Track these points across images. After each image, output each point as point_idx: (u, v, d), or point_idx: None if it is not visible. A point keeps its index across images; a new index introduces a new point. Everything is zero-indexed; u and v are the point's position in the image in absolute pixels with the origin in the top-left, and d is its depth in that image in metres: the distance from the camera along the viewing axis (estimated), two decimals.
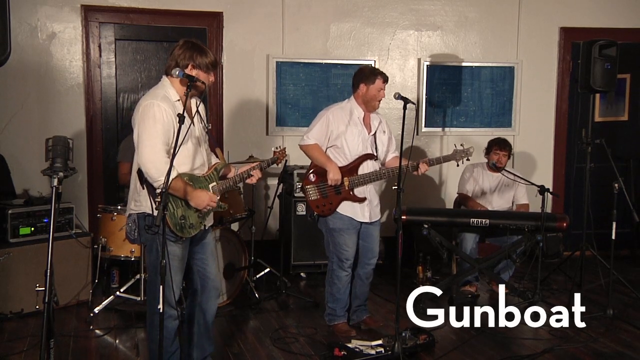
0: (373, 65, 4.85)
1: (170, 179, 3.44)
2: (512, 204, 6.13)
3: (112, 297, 5.28)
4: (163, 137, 3.52)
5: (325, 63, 6.84)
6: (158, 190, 3.46)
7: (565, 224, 5.51)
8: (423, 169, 4.71)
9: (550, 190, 5.46)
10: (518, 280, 5.95)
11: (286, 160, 5.82)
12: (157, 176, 3.43)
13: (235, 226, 6.19)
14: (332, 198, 4.67)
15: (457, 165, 4.99)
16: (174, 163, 3.38)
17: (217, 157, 4.05)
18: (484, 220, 5.47)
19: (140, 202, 3.65)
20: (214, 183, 3.80)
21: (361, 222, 4.74)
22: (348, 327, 4.88)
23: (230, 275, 5.51)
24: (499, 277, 5.80)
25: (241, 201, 5.79)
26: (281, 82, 6.73)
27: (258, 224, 6.27)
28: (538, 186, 5.34)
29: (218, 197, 3.79)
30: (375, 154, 4.71)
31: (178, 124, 3.39)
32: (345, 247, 4.70)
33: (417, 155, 7.05)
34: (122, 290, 5.35)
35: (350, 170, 4.67)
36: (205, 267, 3.89)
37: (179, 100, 3.63)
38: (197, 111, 3.78)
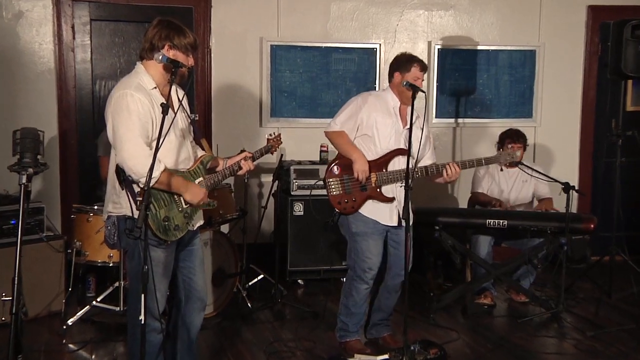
0: (410, 53, 4.79)
1: (157, 173, 3.44)
2: (533, 199, 6.13)
3: (87, 307, 5.26)
4: (141, 129, 3.50)
5: (325, 47, 6.83)
6: (141, 187, 3.45)
7: (592, 226, 5.50)
8: (452, 172, 4.53)
9: (576, 188, 5.46)
10: (540, 288, 5.95)
11: (282, 155, 5.83)
12: (144, 171, 3.40)
13: (225, 228, 6.18)
14: (356, 195, 4.59)
15: (501, 170, 4.97)
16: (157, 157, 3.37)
17: (203, 149, 4.03)
18: (501, 221, 5.46)
19: (120, 204, 3.63)
20: (201, 178, 3.79)
21: (388, 227, 4.65)
22: (362, 345, 4.80)
23: (220, 283, 5.51)
24: (519, 285, 5.80)
25: (232, 200, 5.78)
26: (276, 68, 6.72)
27: (251, 225, 6.27)
28: (562, 183, 5.34)
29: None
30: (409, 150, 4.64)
31: (161, 114, 3.37)
32: (369, 254, 4.60)
33: None
34: (99, 299, 5.33)
35: (379, 165, 4.58)
36: (192, 276, 3.88)
37: (155, 87, 3.62)
38: (180, 100, 3.76)
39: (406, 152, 4.57)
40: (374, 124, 4.57)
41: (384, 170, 4.58)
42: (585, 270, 6.36)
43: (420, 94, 4.41)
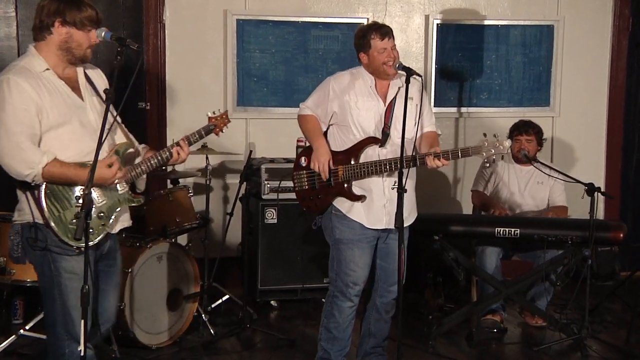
0: (369, 23, 4.78)
1: (39, 168, 3.47)
2: (548, 206, 6.17)
3: (13, 336, 5.23)
4: (17, 118, 3.51)
5: (302, 22, 6.84)
6: (81, 191, 3.49)
7: (621, 235, 5.52)
8: (438, 163, 4.50)
9: (602, 189, 5.49)
10: (559, 309, 5.98)
11: (251, 152, 5.83)
12: (23, 169, 3.47)
13: (183, 239, 6.18)
14: (322, 191, 4.62)
15: (487, 165, 4.89)
16: (48, 149, 3.49)
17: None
18: (513, 229, 5.48)
19: (23, 209, 3.66)
20: None
21: (379, 233, 4.64)
22: None
23: (177, 305, 5.50)
24: (534, 306, 5.82)
25: (191, 205, 5.77)
26: (244, 47, 6.72)
27: (214, 236, 6.26)
28: (586, 184, 5.36)
29: (126, 189, 3.80)
30: (385, 137, 4.59)
31: (62, 99, 3.51)
32: (354, 265, 4.59)
33: None
34: (27, 327, 5.27)
35: (347, 155, 4.57)
36: (103, 300, 3.89)
37: (47, 69, 3.65)
38: (91, 82, 3.81)
39: (378, 140, 4.58)
40: (348, 108, 4.57)
41: (352, 163, 4.58)
42: (614, 288, 6.40)
43: (415, 78, 4.42)
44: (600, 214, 7.00)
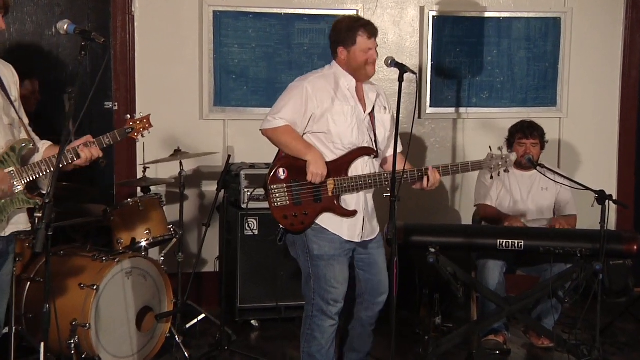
0: (354, 15, 4.77)
1: None
2: (554, 214, 6.17)
3: None
4: None
5: (285, 14, 6.84)
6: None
7: (635, 247, 5.53)
8: (433, 180, 4.67)
9: (614, 197, 5.49)
10: (568, 329, 5.99)
11: (229, 156, 5.82)
12: None
13: (154, 253, 6.16)
14: (308, 206, 4.58)
15: (491, 177, 4.97)
16: None
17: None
18: (517, 241, 5.48)
19: None
20: (12, 168, 3.82)
21: (354, 244, 4.66)
22: None
23: (147, 326, 5.48)
24: (540, 325, 5.83)
25: (163, 215, 5.75)
26: (221, 41, 6.72)
27: (189, 249, 6.24)
28: (596, 192, 5.36)
29: (21, 188, 3.79)
30: (375, 147, 4.65)
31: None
32: (335, 283, 4.61)
33: (419, 148, 7.08)
34: None
35: (338, 167, 4.58)
36: None
37: None
38: None
39: (372, 151, 4.62)
40: (327, 115, 4.57)
41: (344, 175, 4.59)
42: (628, 306, 6.41)
43: (409, 75, 4.42)
44: (612, 224, 7.01)
